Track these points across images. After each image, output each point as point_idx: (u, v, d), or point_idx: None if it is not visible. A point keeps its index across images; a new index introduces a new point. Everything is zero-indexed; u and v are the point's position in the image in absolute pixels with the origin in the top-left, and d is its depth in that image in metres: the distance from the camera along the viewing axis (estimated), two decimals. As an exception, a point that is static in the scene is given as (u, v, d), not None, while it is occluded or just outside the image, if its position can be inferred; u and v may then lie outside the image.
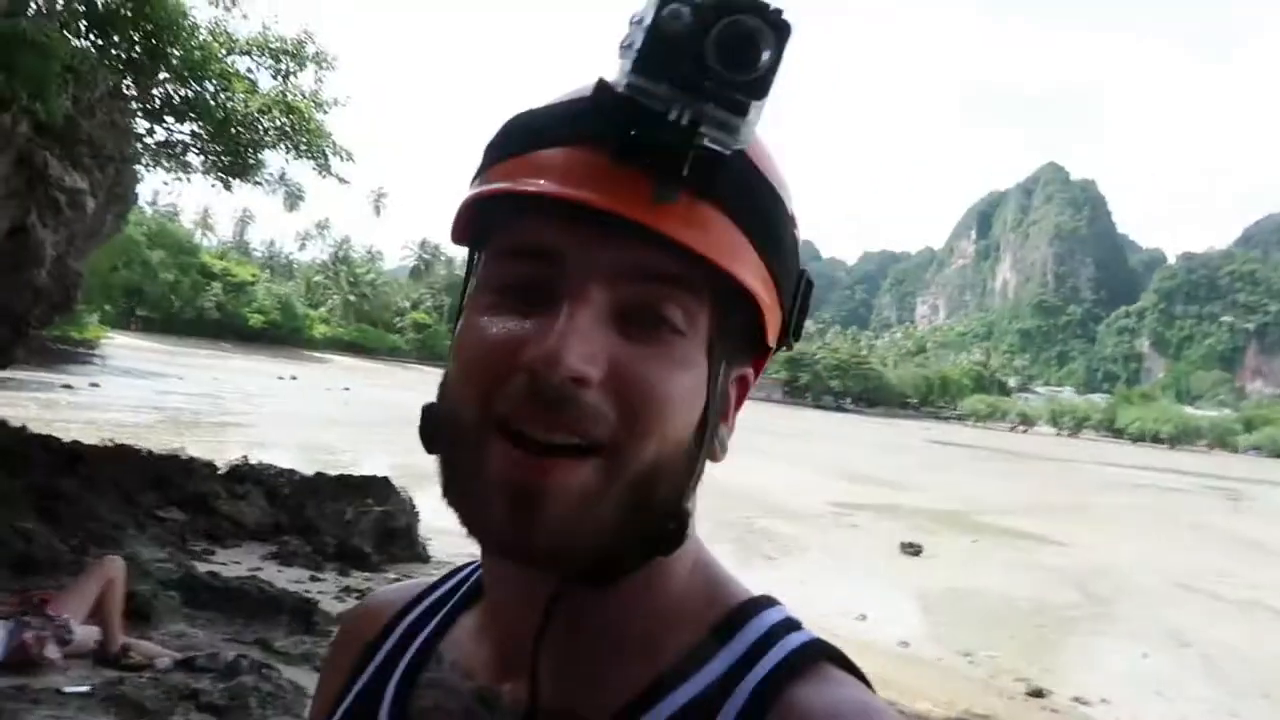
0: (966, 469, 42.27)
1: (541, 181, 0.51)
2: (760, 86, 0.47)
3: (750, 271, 0.53)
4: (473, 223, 0.57)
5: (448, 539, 11.55)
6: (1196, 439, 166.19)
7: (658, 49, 0.47)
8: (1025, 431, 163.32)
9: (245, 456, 12.00)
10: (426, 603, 0.70)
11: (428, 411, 0.57)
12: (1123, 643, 11.21)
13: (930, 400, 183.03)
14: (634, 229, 0.50)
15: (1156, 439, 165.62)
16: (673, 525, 0.56)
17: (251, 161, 11.04)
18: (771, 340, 0.58)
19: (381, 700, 0.65)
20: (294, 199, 13.55)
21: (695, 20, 0.47)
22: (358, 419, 29.26)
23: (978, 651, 9.98)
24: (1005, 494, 29.94)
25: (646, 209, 0.49)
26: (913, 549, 15.54)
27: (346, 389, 44.62)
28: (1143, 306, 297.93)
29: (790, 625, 0.60)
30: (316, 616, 6.47)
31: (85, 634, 4.66)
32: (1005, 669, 9.44)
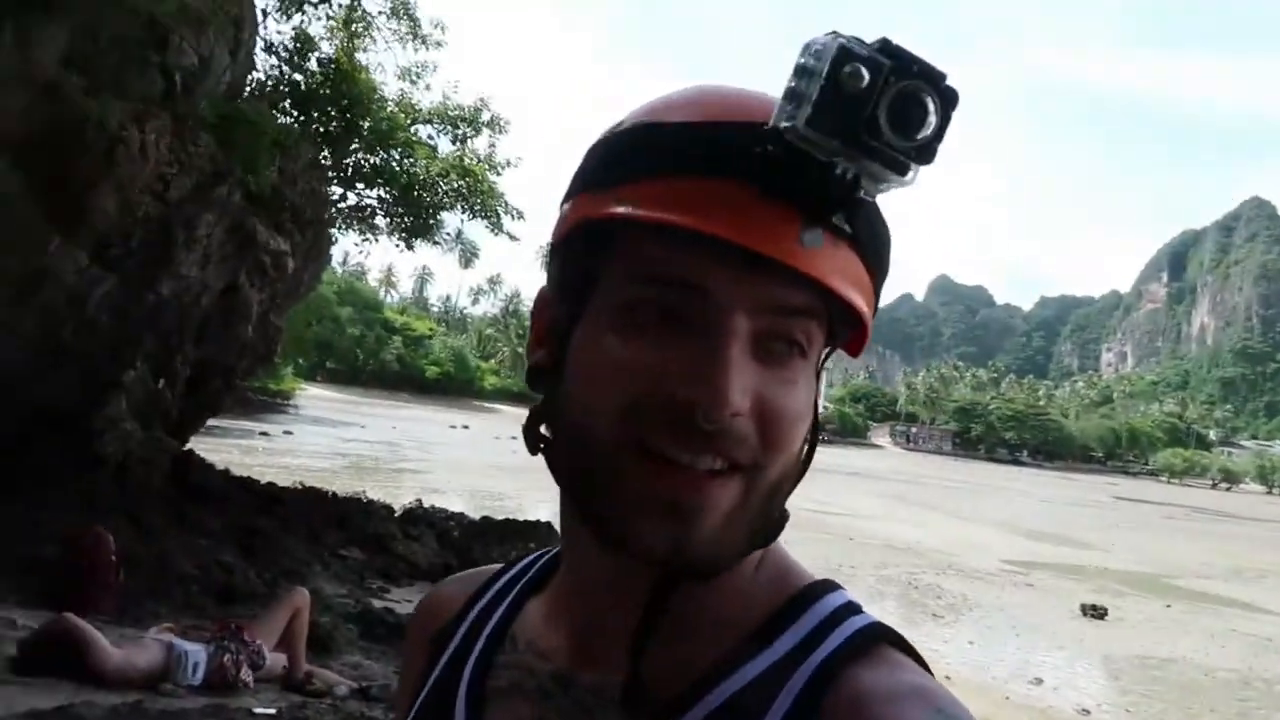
0: (1159, 528, 39.14)
1: (690, 216, 0.52)
2: (927, 153, 0.50)
3: (867, 300, 0.57)
4: (592, 234, 0.57)
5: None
6: None
7: (834, 104, 0.48)
8: (1229, 489, 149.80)
9: (419, 500, 12.63)
10: (494, 589, 0.73)
11: (561, 428, 0.59)
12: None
13: (1117, 454, 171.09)
14: (779, 268, 0.52)
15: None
16: (782, 519, 0.61)
17: (431, 222, 11.84)
18: (855, 352, 0.63)
19: (458, 683, 0.68)
20: (469, 256, 14.36)
21: (872, 81, 0.48)
22: (524, 466, 30.10)
23: (1170, 724, 9.22)
24: (1205, 556, 27.50)
25: (792, 250, 0.52)
26: (1096, 611, 14.51)
27: (515, 438, 46.02)
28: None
29: (852, 609, 0.62)
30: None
31: (274, 660, 5.04)
32: (1203, 746, 8.67)
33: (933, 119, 0.49)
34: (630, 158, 0.56)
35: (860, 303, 0.56)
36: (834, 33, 0.49)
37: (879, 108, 0.48)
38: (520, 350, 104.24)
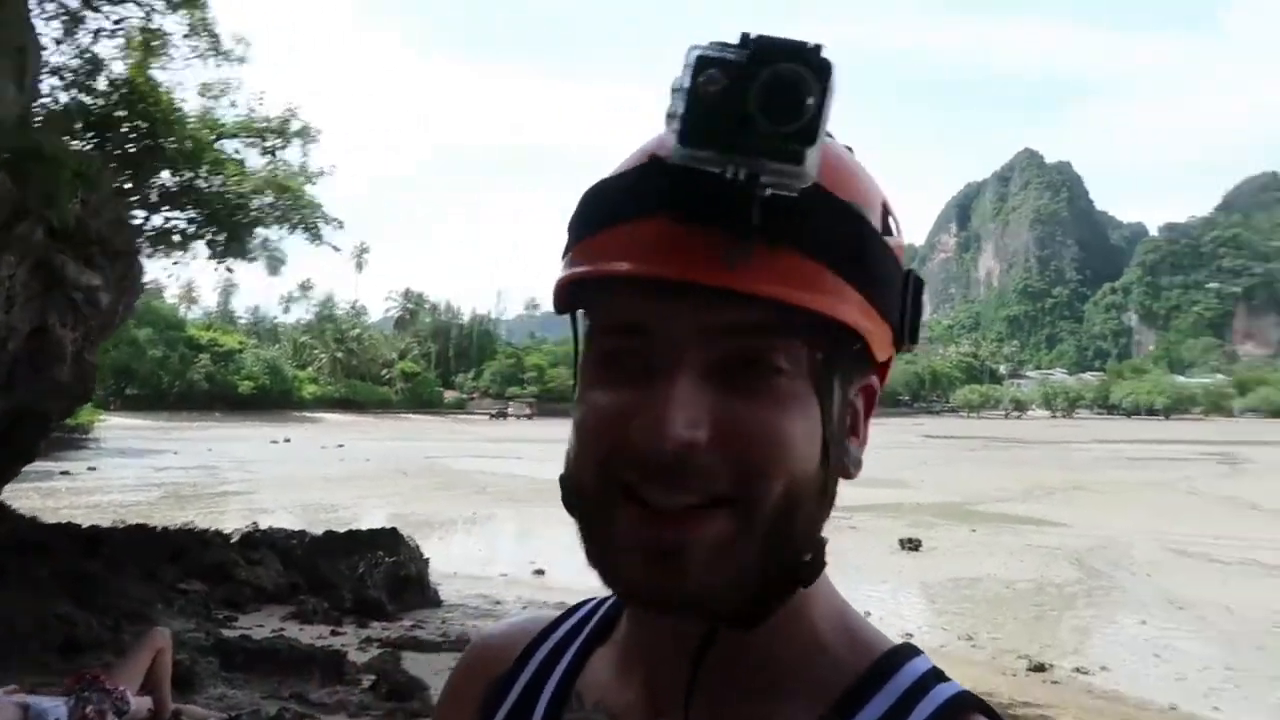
0: (962, 460, 42.65)
1: (617, 263, 0.53)
2: (809, 132, 0.47)
3: (837, 300, 0.53)
4: (571, 297, 0.58)
5: (458, 582, 11.91)
6: (1191, 407, 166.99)
7: (702, 115, 0.48)
8: (1020, 417, 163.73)
9: (255, 523, 12.35)
10: (555, 638, 0.71)
11: (563, 481, 0.59)
12: (1121, 613, 11.59)
13: (922, 395, 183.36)
14: (712, 291, 0.51)
15: (1151, 411, 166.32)
16: (809, 555, 0.57)
17: (247, 240, 11.51)
18: (880, 355, 0.58)
19: None
20: (276, 263, 14.01)
21: (733, 79, 0.47)
22: (354, 474, 29.50)
23: (980, 635, 10.36)
24: (1001, 481, 30.31)
25: (722, 270, 0.50)
26: (912, 544, 15.89)
27: (340, 446, 44.84)
28: (1128, 281, 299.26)
29: (938, 675, 0.61)
30: (346, 667, 6.84)
31: (139, 704, 5.00)
32: (1007, 649, 9.81)
33: (810, 98, 0.47)
34: (579, 218, 0.58)
35: (826, 305, 0.52)
36: (694, 45, 0.49)
37: (749, 103, 0.47)
38: (338, 355, 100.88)
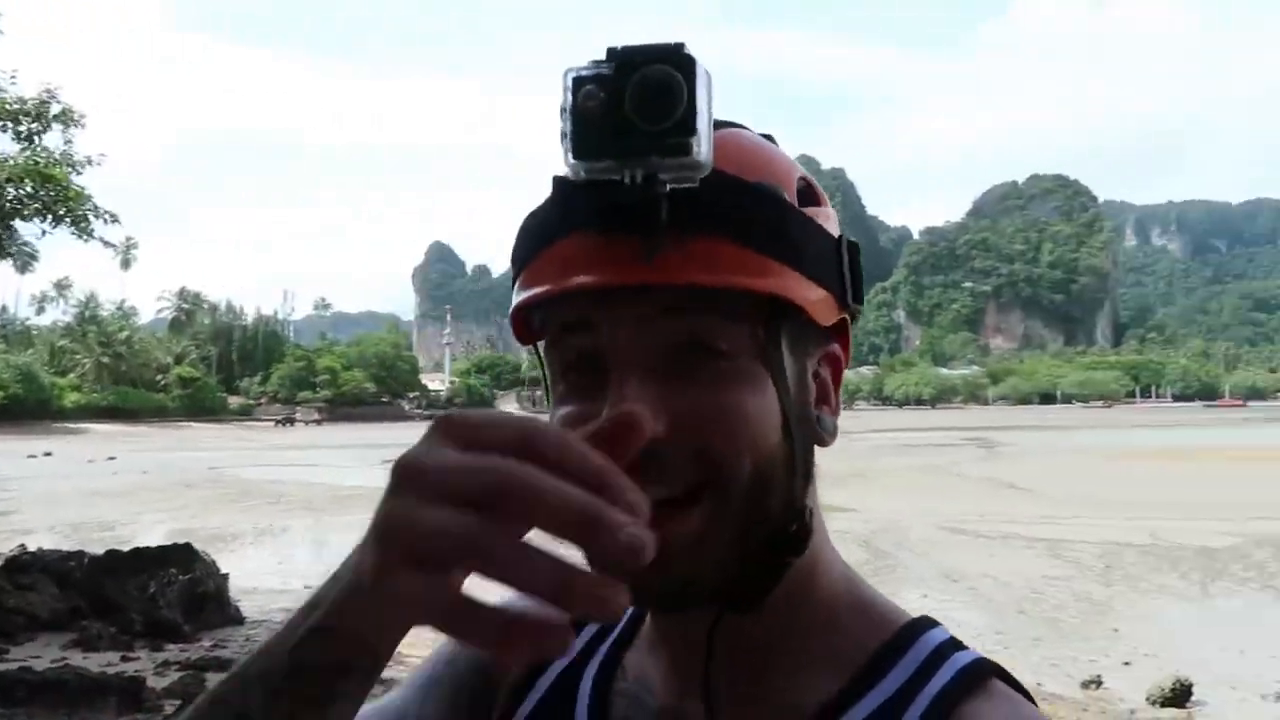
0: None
1: (546, 284, 0.56)
2: (687, 124, 0.49)
3: (759, 275, 0.55)
4: (526, 326, 0.62)
5: (260, 597, 11.30)
6: (953, 396, 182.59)
7: (587, 130, 0.50)
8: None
9: (22, 545, 11.19)
10: None
11: None
12: (904, 588, 12.52)
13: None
14: (639, 290, 0.54)
15: (920, 401, 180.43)
16: (794, 525, 0.59)
17: (3, 235, 10.35)
18: (824, 320, 0.59)
19: (573, 699, 0.70)
20: (27, 259, 12.72)
21: (608, 91, 0.49)
22: (131, 488, 27.21)
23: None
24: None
25: (642, 269, 0.53)
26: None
27: (112, 458, 41.20)
28: (896, 281, 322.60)
29: (955, 644, 0.63)
30: (145, 694, 6.36)
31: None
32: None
33: (679, 92, 0.48)
34: (517, 249, 0.61)
35: (747, 280, 0.55)
36: (569, 69, 0.52)
37: (625, 109, 0.49)
38: (104, 359, 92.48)
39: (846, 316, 0.63)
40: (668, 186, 0.51)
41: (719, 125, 0.57)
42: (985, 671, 0.60)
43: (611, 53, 0.50)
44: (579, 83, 0.50)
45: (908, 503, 21.97)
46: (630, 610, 0.69)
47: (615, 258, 0.54)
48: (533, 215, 0.60)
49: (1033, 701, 0.61)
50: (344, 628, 0.44)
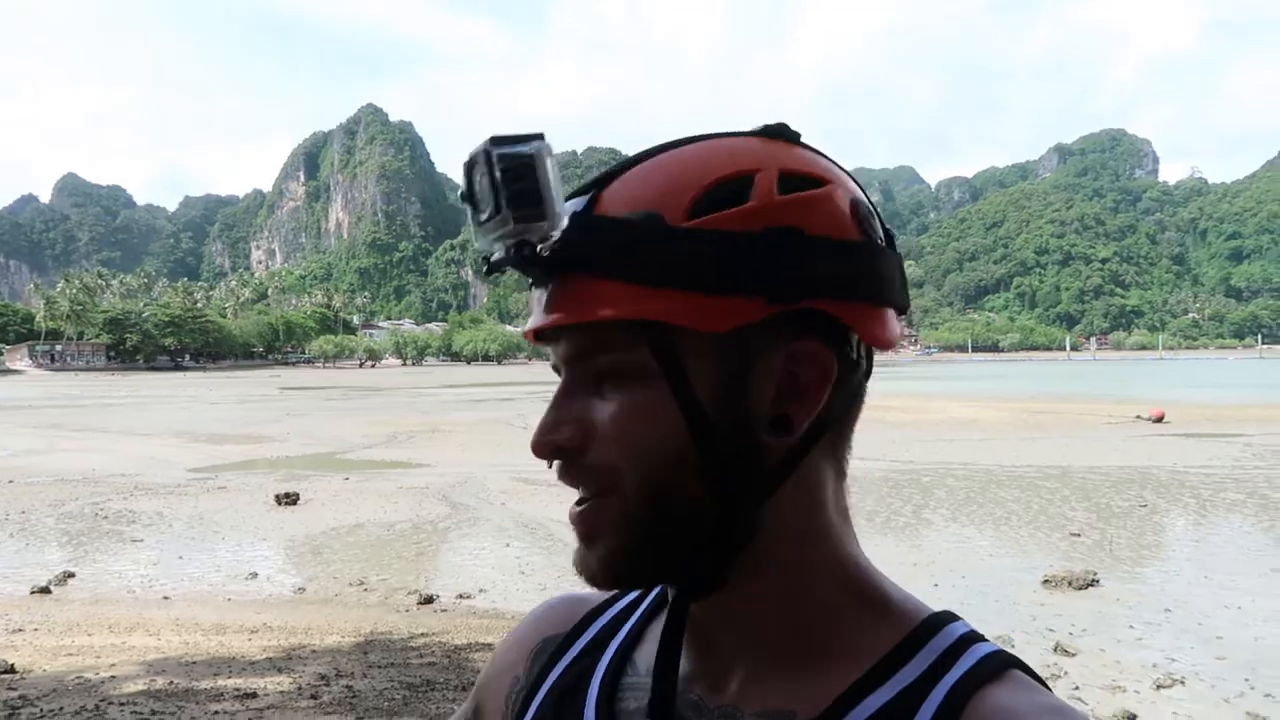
0: (324, 410, 42.79)
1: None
2: (532, 197, 0.57)
3: (628, 300, 0.59)
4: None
5: None
6: (518, 353, 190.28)
7: (474, 210, 0.60)
8: (374, 366, 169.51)
9: None
10: (616, 608, 0.78)
11: None
12: (488, 540, 12.83)
13: (277, 347, 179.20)
14: (547, 330, 0.63)
15: (487, 357, 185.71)
16: (728, 523, 0.62)
17: None
18: (716, 327, 0.59)
19: (583, 695, 0.73)
20: None
21: (485, 173, 0.58)
22: None
23: (370, 578, 10.61)
24: (366, 429, 31.13)
25: (544, 314, 0.62)
26: (289, 498, 15.56)
27: None
28: (464, 239, 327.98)
29: (976, 636, 0.65)
30: None
31: None
32: (398, 587, 10.21)
33: (526, 175, 0.57)
34: None
35: (606, 311, 0.59)
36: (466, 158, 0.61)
37: (498, 196, 0.58)
38: None
39: (821, 308, 0.60)
40: (539, 246, 0.59)
41: (677, 144, 0.64)
42: (1005, 662, 0.62)
43: (489, 140, 0.58)
44: (466, 168, 0.59)
45: (481, 456, 22.52)
46: (643, 608, 0.77)
47: (539, 304, 0.63)
48: None
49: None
50: None
